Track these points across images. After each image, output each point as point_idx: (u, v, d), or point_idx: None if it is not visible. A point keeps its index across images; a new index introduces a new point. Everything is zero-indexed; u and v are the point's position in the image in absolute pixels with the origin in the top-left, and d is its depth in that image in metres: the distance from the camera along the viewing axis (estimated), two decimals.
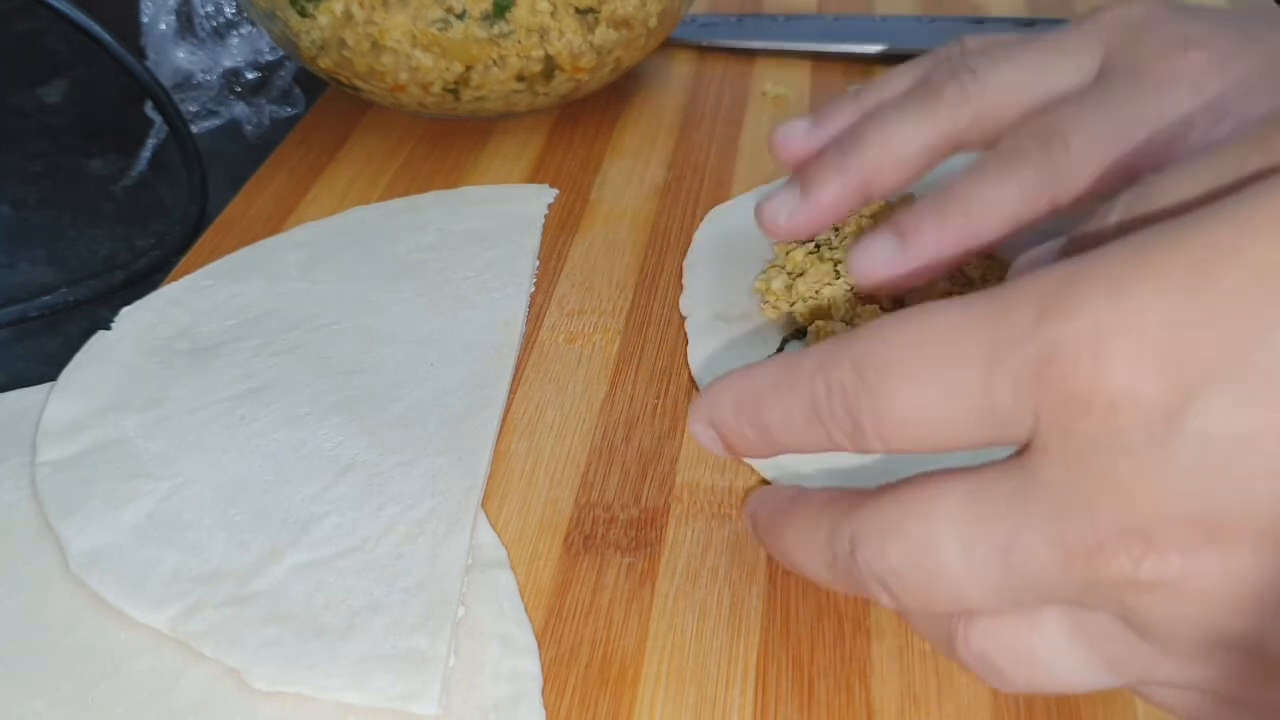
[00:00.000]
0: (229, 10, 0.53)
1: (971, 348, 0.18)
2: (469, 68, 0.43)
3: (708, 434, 0.23)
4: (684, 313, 0.37)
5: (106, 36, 0.46)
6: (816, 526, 0.22)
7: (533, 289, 0.39)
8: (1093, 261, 0.18)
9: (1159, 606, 0.18)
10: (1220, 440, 0.16)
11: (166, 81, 0.50)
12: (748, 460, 0.30)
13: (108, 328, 0.36)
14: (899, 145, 0.30)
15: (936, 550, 0.19)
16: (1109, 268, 0.17)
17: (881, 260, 0.29)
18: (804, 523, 0.23)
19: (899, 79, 0.33)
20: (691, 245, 0.40)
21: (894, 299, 0.34)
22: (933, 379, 0.19)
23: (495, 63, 0.43)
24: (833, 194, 0.31)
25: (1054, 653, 0.20)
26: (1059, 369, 0.17)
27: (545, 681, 0.25)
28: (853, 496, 0.21)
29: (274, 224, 0.42)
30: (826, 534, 0.21)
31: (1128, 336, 0.17)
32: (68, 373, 0.34)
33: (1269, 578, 0.16)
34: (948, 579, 0.19)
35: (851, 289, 0.33)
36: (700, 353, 0.35)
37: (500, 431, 0.33)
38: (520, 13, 0.42)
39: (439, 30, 0.42)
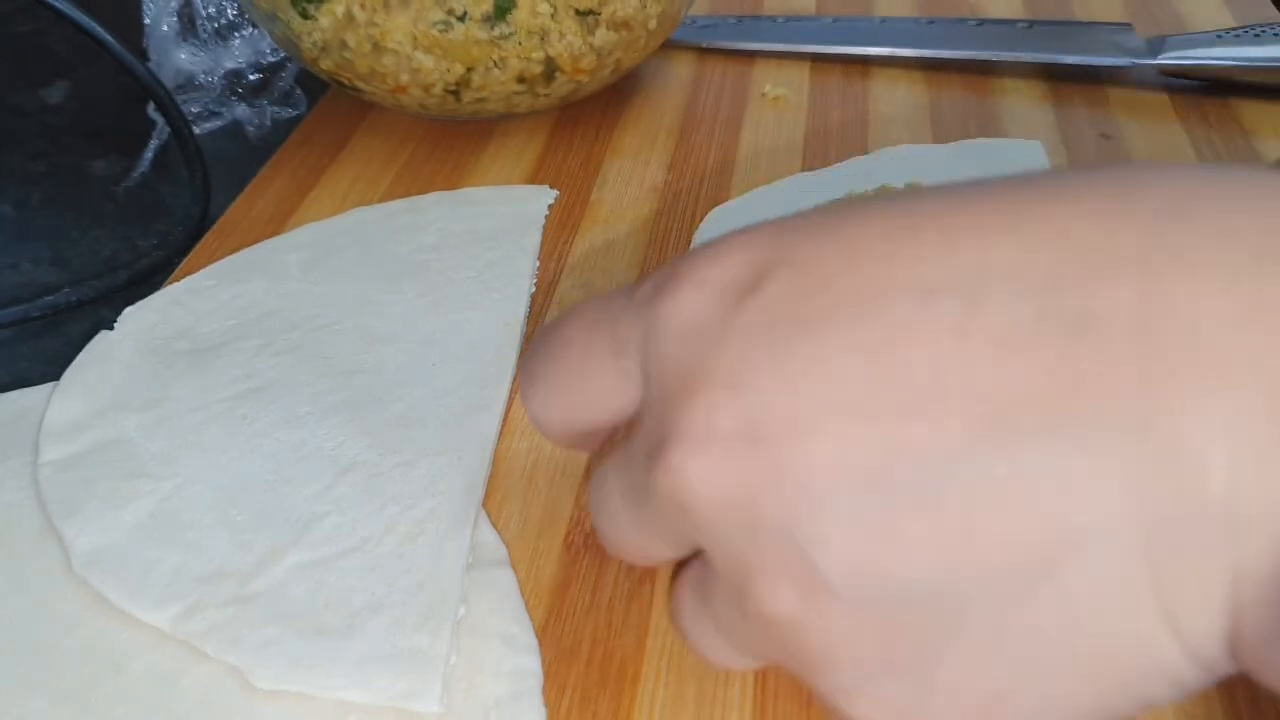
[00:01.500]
0: (231, 12, 0.53)
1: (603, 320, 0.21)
2: (470, 69, 0.43)
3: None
4: None
5: (108, 37, 0.46)
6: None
7: (533, 289, 0.39)
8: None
9: (712, 518, 0.18)
10: (780, 305, 0.18)
11: (168, 82, 0.50)
12: None
13: (110, 328, 0.36)
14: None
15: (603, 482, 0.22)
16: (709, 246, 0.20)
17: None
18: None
19: None
20: (691, 245, 0.40)
21: None
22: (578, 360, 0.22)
23: (496, 64, 0.43)
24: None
25: (629, 527, 0.21)
26: (657, 296, 0.19)
27: (546, 679, 0.26)
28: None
29: (275, 225, 0.42)
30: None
31: (713, 267, 0.19)
32: (70, 373, 0.34)
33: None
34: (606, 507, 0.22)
35: None
36: None
37: (501, 431, 0.33)
38: (521, 15, 0.42)
39: (440, 32, 0.42)
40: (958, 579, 0.16)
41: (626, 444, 0.21)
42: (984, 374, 0.16)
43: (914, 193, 0.19)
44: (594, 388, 0.22)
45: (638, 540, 0.21)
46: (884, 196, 0.20)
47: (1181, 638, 0.16)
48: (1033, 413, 0.16)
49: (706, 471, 0.18)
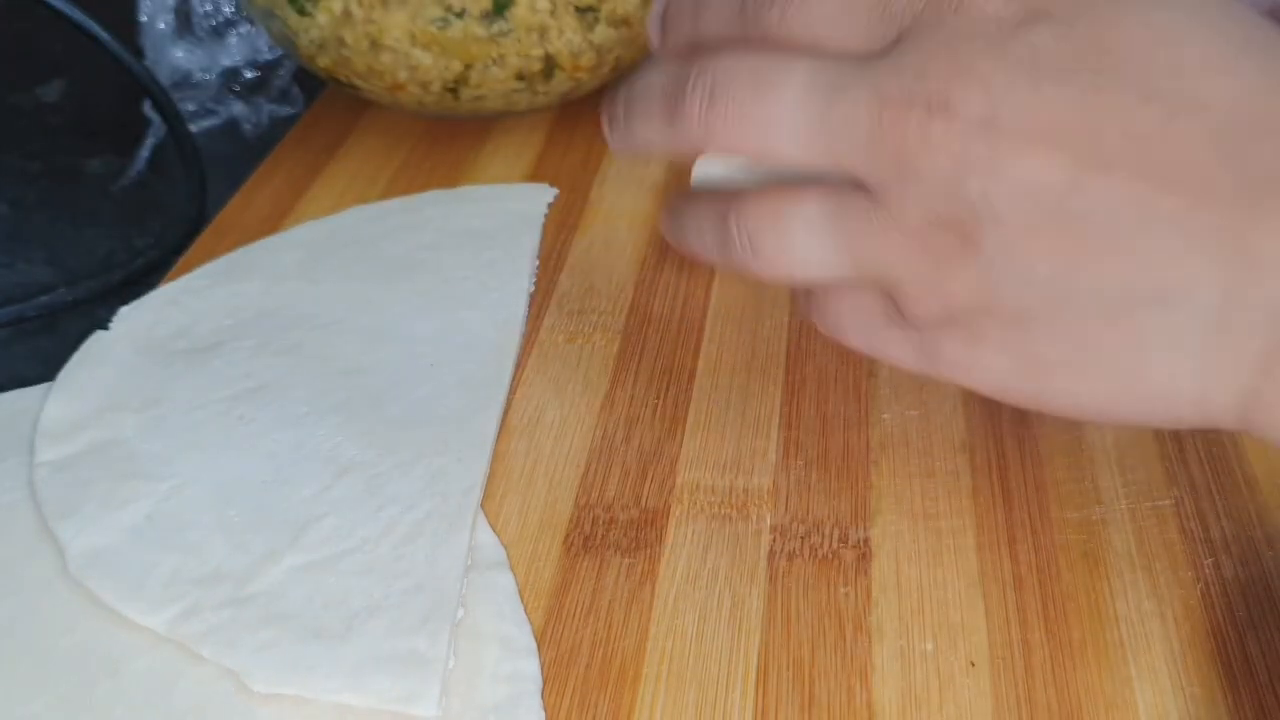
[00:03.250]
0: (227, 9, 0.53)
1: None
2: (468, 66, 0.43)
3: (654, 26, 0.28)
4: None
5: (104, 35, 0.46)
6: (710, 211, 0.26)
7: (532, 289, 0.38)
8: None
9: (920, 165, 0.22)
10: (1043, 52, 0.21)
11: (165, 80, 0.50)
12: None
13: (105, 328, 0.36)
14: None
15: (778, 115, 0.24)
16: None
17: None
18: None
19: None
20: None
21: None
22: None
23: (494, 62, 0.43)
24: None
25: (804, 229, 0.24)
26: None
27: (545, 683, 0.25)
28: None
29: (272, 223, 0.42)
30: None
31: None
32: (65, 373, 0.34)
33: (1022, 177, 0.21)
34: (774, 126, 0.24)
35: None
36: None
37: (500, 432, 0.32)
38: (520, 11, 0.42)
39: (438, 29, 0.42)
40: (1076, 283, 0.22)
41: (868, 70, 0.23)
42: (1162, 160, 0.21)
43: None
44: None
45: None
46: None
47: (1200, 403, 0.21)
48: (1179, 196, 0.20)
49: (943, 135, 0.22)
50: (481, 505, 0.30)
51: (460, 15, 0.41)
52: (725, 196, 0.26)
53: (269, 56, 0.54)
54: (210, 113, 0.52)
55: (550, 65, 0.44)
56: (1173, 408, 0.22)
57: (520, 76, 0.44)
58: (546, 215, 0.42)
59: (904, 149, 0.22)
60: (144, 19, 0.52)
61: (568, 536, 0.29)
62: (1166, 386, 0.22)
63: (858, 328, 0.26)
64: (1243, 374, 0.21)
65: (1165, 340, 0.21)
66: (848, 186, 0.23)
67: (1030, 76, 0.21)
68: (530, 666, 0.26)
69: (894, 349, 0.25)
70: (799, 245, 0.24)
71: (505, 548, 0.29)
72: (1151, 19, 0.22)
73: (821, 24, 0.24)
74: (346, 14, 0.42)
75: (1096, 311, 0.22)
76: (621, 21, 0.44)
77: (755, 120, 0.24)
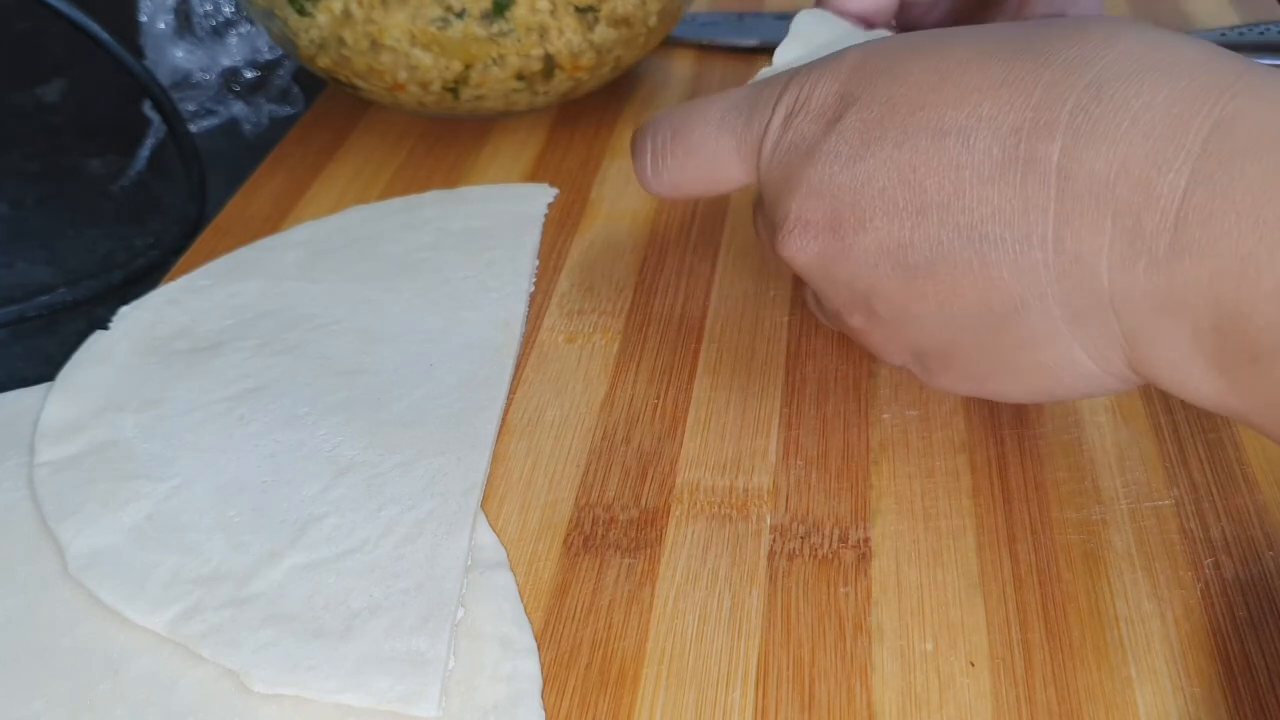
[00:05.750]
0: (227, 9, 0.53)
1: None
2: (468, 66, 0.43)
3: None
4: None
5: (105, 35, 0.46)
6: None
7: (532, 289, 0.38)
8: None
9: (809, 273, 0.28)
10: (851, 136, 0.26)
11: (165, 80, 0.50)
12: None
13: (105, 328, 0.36)
14: None
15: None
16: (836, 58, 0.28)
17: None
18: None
19: None
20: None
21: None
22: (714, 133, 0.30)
23: (494, 61, 0.43)
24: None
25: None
26: (775, 115, 0.28)
27: (545, 683, 0.25)
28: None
29: (273, 223, 0.42)
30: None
31: (812, 93, 0.27)
32: (65, 373, 0.34)
33: (831, 251, 0.27)
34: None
35: None
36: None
37: (500, 432, 0.32)
38: (520, 11, 0.42)
39: (438, 29, 0.42)
40: (953, 315, 0.26)
41: (759, 211, 0.31)
42: (969, 194, 0.24)
43: (951, 35, 0.26)
44: (720, 172, 0.30)
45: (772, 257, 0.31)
46: (934, 35, 0.27)
47: (1094, 358, 0.24)
48: (996, 224, 0.24)
49: (803, 247, 0.27)
50: (481, 505, 0.30)
51: (460, 15, 0.41)
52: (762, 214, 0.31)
53: (269, 56, 0.54)
54: (210, 113, 0.52)
55: (550, 65, 0.44)
56: (1096, 382, 0.25)
57: (520, 76, 0.44)
58: (546, 215, 0.42)
59: (794, 263, 0.28)
60: (144, 19, 0.52)
61: (568, 536, 0.29)
62: (1076, 369, 0.25)
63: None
64: (1117, 350, 0.24)
65: (1045, 337, 0.25)
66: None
67: (846, 162, 0.26)
68: (530, 666, 0.26)
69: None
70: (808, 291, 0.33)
71: (505, 548, 0.29)
72: (941, 57, 0.25)
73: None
74: (346, 14, 0.42)
75: (982, 329, 0.25)
76: (621, 21, 0.44)
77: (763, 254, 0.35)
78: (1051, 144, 0.23)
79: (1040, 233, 0.23)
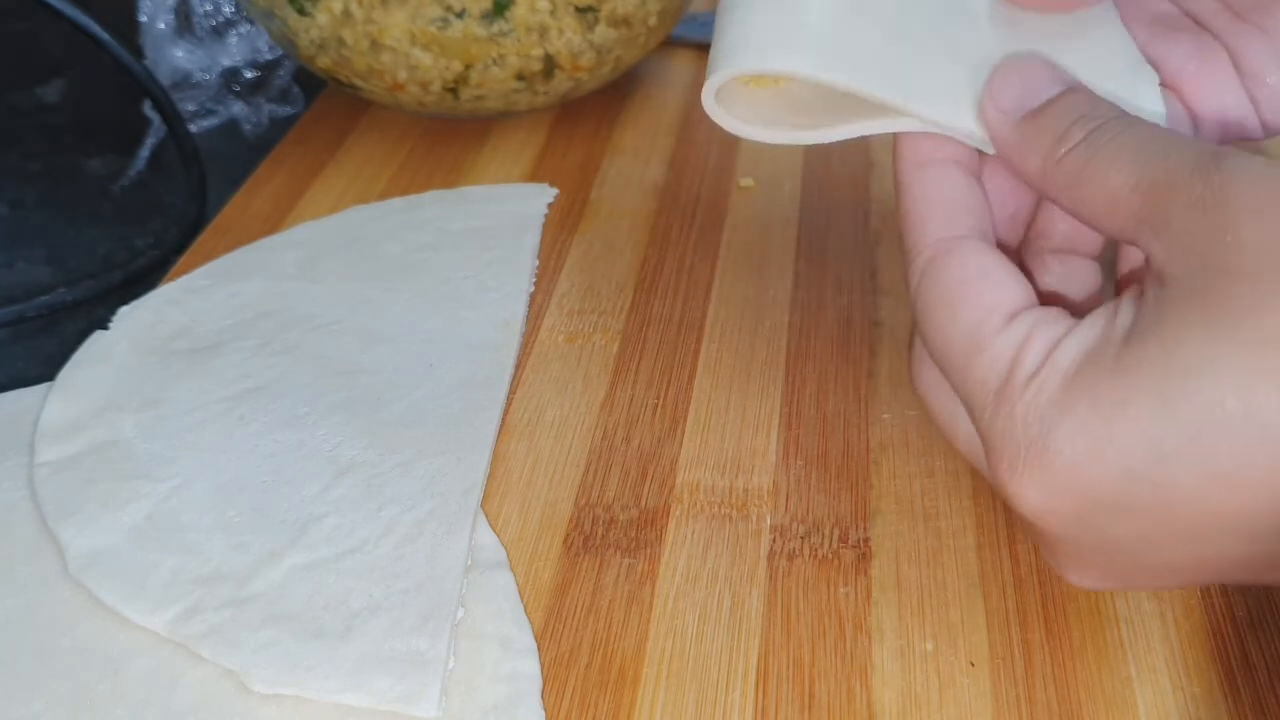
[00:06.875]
0: (227, 9, 0.53)
1: None
2: (468, 66, 0.43)
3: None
4: None
5: (104, 35, 0.46)
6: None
7: (532, 289, 0.38)
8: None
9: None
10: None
11: (165, 80, 0.50)
12: None
13: (105, 328, 0.36)
14: None
15: None
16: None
17: None
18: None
19: None
20: None
21: None
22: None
23: (494, 61, 0.43)
24: None
25: None
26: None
27: (545, 683, 0.25)
28: None
29: (272, 223, 0.42)
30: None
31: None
32: (65, 373, 0.34)
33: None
34: None
35: None
36: None
37: (500, 432, 0.32)
38: (520, 11, 0.42)
39: (438, 29, 0.42)
40: (1152, 535, 0.22)
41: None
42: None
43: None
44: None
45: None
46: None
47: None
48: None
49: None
50: (481, 505, 0.30)
51: (460, 15, 0.41)
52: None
53: (269, 56, 0.54)
54: (210, 113, 0.52)
55: (550, 65, 0.44)
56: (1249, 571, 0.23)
57: (520, 76, 0.44)
58: (546, 215, 0.42)
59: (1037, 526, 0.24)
60: (144, 19, 0.52)
61: (568, 536, 0.29)
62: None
63: None
64: None
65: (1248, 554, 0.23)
66: None
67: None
68: (530, 666, 0.26)
69: None
70: None
71: (505, 547, 0.29)
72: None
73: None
74: (346, 14, 0.42)
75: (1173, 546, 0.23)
76: (621, 21, 0.44)
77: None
78: None
79: None
